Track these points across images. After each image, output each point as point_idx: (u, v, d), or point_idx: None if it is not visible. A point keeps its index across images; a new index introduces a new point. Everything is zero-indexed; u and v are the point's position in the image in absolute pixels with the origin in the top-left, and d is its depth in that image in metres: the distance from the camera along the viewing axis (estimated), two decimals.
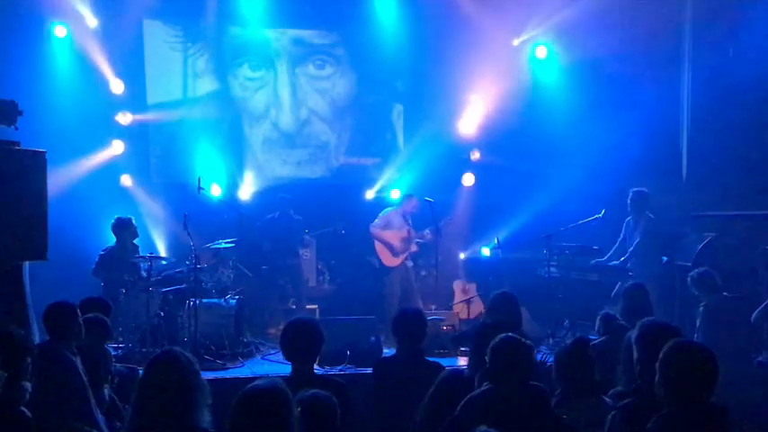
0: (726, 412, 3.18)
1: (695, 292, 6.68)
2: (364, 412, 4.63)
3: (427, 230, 8.90)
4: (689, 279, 6.76)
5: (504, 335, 3.76)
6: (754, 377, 6.23)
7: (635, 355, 3.71)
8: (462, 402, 3.62)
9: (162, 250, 9.04)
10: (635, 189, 8.32)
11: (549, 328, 8.12)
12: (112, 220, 8.13)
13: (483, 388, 3.66)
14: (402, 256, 8.94)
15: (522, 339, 3.78)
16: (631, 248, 8.20)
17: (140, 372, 5.89)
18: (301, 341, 4.23)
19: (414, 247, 9.00)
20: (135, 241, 8.33)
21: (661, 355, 3.22)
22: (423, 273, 9.87)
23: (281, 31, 10.21)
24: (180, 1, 9.83)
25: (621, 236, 8.46)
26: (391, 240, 8.91)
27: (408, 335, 4.89)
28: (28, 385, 3.71)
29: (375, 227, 8.97)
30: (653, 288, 7.96)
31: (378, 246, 8.97)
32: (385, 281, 9.01)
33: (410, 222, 8.97)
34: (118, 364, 5.81)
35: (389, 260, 8.94)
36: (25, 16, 8.91)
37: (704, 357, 3.20)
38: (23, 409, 3.64)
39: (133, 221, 8.19)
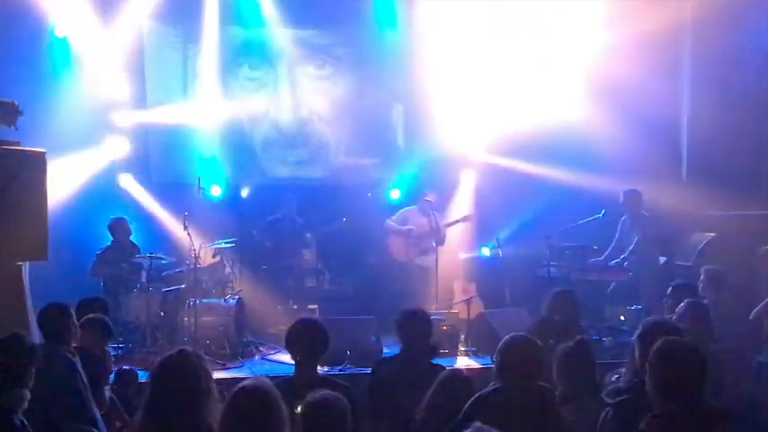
0: (724, 416, 3.12)
1: (701, 285, 6.71)
2: (366, 413, 4.63)
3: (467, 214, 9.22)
4: (702, 272, 6.78)
5: (514, 334, 3.77)
6: (754, 377, 6.23)
7: (636, 352, 3.69)
8: (470, 401, 3.61)
9: (162, 250, 9.04)
10: (627, 189, 8.33)
11: None
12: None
13: (491, 387, 3.66)
14: (411, 252, 9.10)
15: (533, 339, 3.78)
16: (631, 247, 8.21)
17: (141, 372, 5.98)
18: (307, 341, 4.23)
19: (444, 230, 9.12)
20: (134, 240, 8.34)
21: (650, 354, 3.18)
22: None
23: (281, 31, 10.19)
24: (180, 2, 9.81)
25: (618, 235, 8.46)
26: (402, 235, 9.13)
27: (410, 334, 4.86)
28: (26, 392, 3.69)
29: (390, 221, 9.26)
30: (652, 287, 8.01)
31: (388, 239, 9.24)
32: (399, 276, 9.17)
33: (435, 217, 8.99)
34: (124, 366, 5.82)
35: (398, 254, 9.17)
36: (25, 16, 8.89)
37: (691, 356, 3.11)
38: (21, 418, 3.62)
39: (125, 219, 8.19)
